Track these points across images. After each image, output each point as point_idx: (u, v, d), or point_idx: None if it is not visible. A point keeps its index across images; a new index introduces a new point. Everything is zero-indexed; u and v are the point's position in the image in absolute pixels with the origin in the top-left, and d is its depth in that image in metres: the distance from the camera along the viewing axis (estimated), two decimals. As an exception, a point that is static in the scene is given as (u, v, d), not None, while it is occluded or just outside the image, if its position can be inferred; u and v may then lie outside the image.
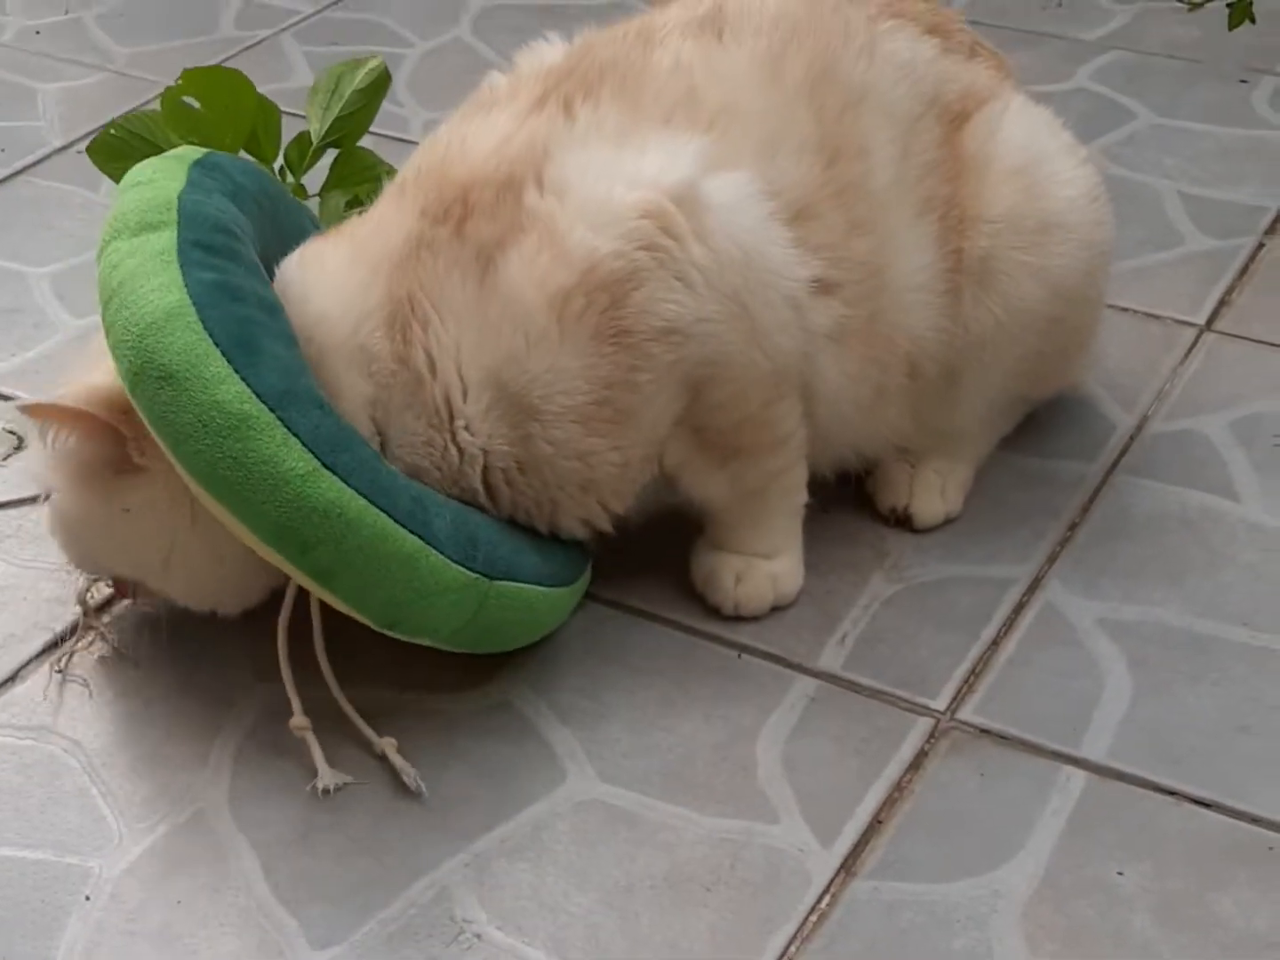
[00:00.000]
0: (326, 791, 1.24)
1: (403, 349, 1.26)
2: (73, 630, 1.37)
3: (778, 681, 1.33)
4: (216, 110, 1.75)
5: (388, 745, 1.26)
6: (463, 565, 1.22)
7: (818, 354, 1.33)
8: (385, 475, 1.22)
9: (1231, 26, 1.70)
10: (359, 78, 1.79)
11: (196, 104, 1.75)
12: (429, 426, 1.27)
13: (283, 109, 1.79)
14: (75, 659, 1.35)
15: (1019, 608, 1.38)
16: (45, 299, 1.78)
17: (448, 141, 1.34)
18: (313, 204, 1.68)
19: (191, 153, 1.35)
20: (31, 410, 1.25)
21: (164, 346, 1.17)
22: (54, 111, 2.13)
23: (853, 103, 1.34)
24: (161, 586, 1.31)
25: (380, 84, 1.80)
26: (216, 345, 1.17)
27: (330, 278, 1.29)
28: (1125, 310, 1.71)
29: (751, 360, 1.29)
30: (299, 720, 1.26)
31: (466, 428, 1.27)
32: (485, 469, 1.28)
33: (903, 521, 1.46)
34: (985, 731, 1.28)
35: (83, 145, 2.03)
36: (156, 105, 1.81)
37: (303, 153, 1.80)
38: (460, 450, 1.27)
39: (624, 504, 1.32)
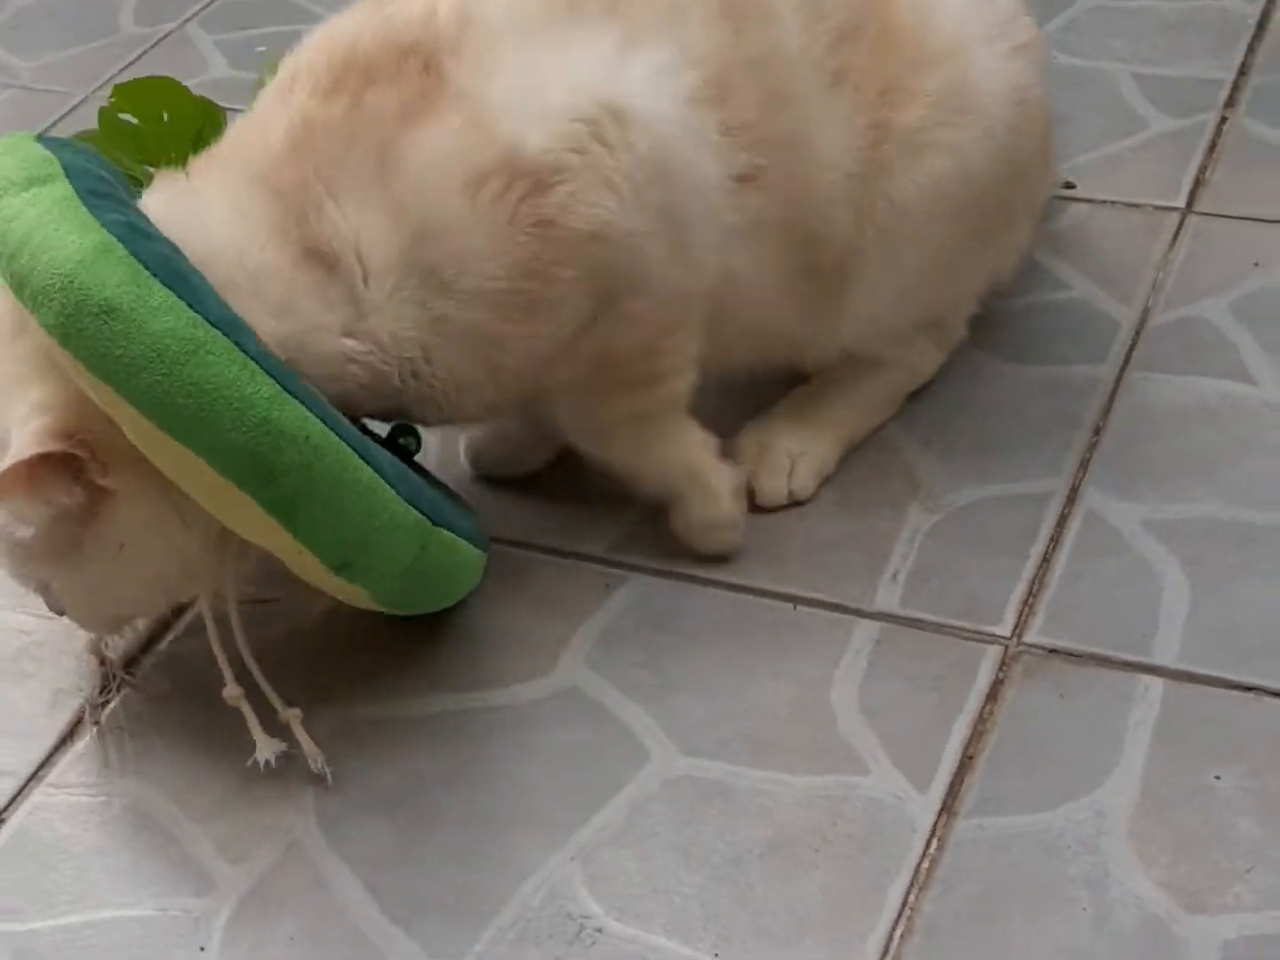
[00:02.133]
0: (268, 764, 1.22)
1: (299, 251, 1.22)
2: (103, 683, 1.33)
3: (838, 629, 1.32)
4: (154, 122, 1.71)
5: (292, 717, 1.24)
6: (410, 503, 1.20)
7: (734, 252, 1.31)
8: (329, 406, 1.19)
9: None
10: (300, 65, 1.74)
11: (134, 119, 1.71)
12: (345, 319, 1.23)
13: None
14: (115, 709, 1.32)
15: (1062, 520, 1.38)
16: None
17: (333, 31, 1.30)
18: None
19: (26, 136, 1.28)
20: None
21: (101, 281, 1.11)
22: (-28, 135, 2.07)
23: None
24: (191, 596, 1.28)
25: (326, 70, 1.75)
26: (155, 276, 1.12)
27: (206, 206, 1.24)
28: (1104, 203, 1.70)
29: (671, 277, 1.27)
30: (232, 690, 1.24)
31: (379, 309, 1.23)
32: (399, 361, 1.25)
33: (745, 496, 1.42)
34: (1055, 651, 1.28)
35: (13, 166, 1.98)
36: (75, 120, 1.77)
37: (253, 149, 1.75)
38: (378, 345, 1.24)
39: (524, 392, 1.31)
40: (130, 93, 1.71)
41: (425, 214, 1.22)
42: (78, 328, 1.11)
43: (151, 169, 1.73)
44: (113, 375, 1.11)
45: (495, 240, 1.22)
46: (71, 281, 1.11)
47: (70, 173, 1.19)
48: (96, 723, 1.31)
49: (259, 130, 1.28)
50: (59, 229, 1.13)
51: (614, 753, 1.25)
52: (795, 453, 1.44)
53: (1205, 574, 1.32)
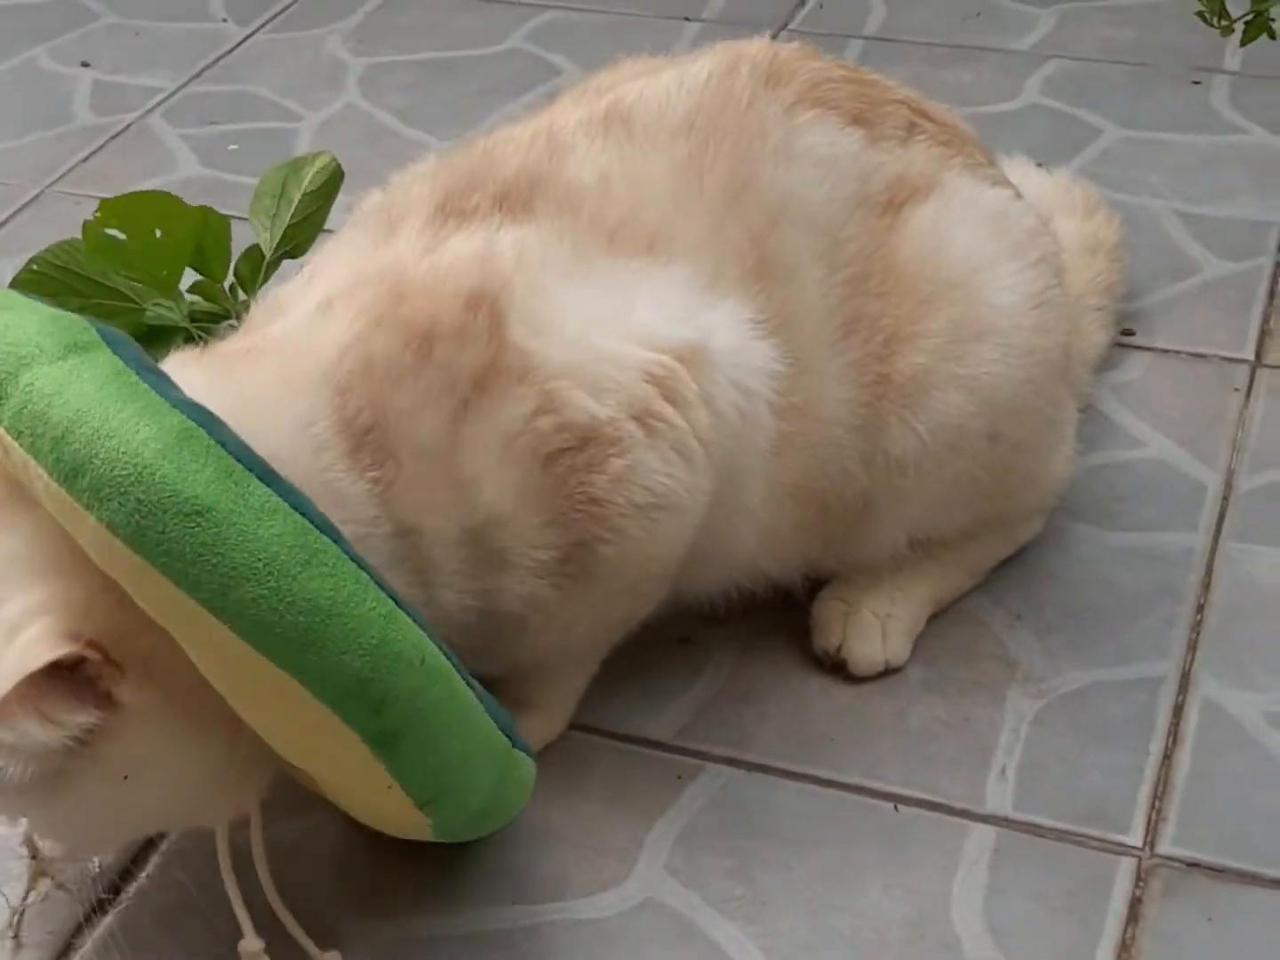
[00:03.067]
0: None
1: (379, 491, 1.08)
2: (30, 882, 1.15)
3: (948, 833, 1.19)
4: (145, 238, 1.57)
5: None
6: (495, 726, 1.05)
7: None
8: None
9: (1244, 42, 1.62)
10: (307, 179, 1.60)
11: (121, 235, 1.57)
12: (408, 585, 1.09)
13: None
14: (133, 910, 1.15)
15: (1178, 710, 1.27)
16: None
17: (372, 259, 1.17)
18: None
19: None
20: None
21: (188, 475, 0.93)
22: (-81, 230, 1.88)
23: (776, 215, 1.20)
24: (194, 824, 1.12)
25: (333, 185, 1.61)
26: (250, 470, 0.95)
27: (260, 404, 1.08)
28: (1168, 352, 1.61)
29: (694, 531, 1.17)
30: (250, 944, 1.07)
31: (445, 584, 1.11)
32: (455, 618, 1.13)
33: (838, 666, 1.31)
34: (1194, 865, 1.16)
35: (-35, 266, 1.81)
36: (30, 215, 1.62)
37: (255, 268, 1.60)
38: (438, 605, 1.11)
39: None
40: (119, 208, 1.58)
41: (502, 499, 1.10)
42: (158, 530, 0.92)
43: (138, 284, 1.59)
44: (202, 586, 0.92)
45: (551, 513, 1.11)
46: (152, 475, 0.92)
47: (109, 340, 1.00)
48: (15, 935, 1.13)
49: (303, 340, 1.12)
50: (121, 410, 0.94)
51: (711, 980, 1.11)
52: (882, 614, 1.31)
53: (1347, 777, 1.21)
